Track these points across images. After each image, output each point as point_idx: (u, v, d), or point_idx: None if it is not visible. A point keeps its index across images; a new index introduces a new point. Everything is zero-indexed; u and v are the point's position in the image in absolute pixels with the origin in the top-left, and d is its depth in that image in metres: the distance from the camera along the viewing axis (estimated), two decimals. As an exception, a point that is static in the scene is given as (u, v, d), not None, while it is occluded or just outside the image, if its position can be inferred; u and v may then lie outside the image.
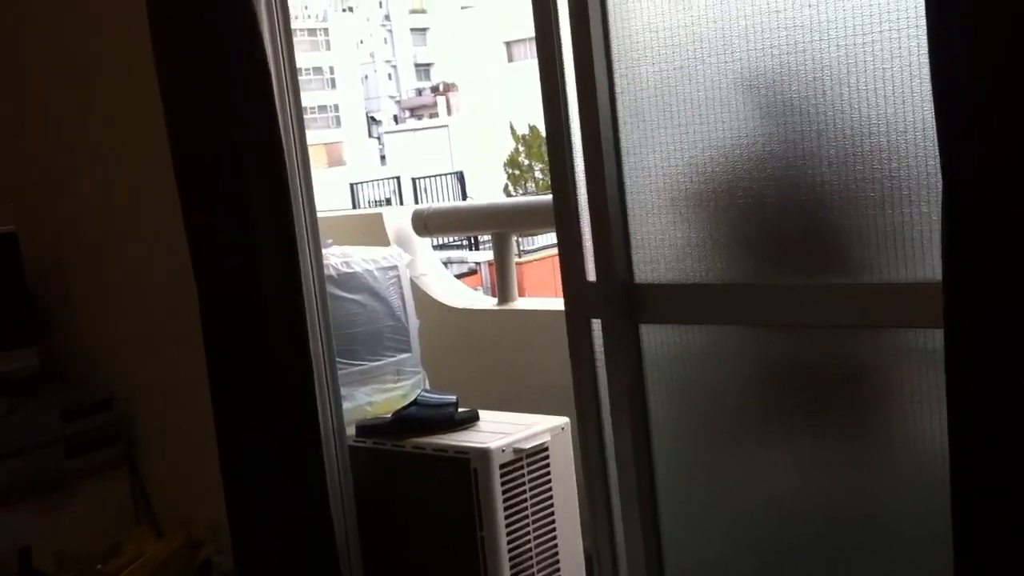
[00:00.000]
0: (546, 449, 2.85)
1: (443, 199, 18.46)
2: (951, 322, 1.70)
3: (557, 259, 2.46)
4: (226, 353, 2.83)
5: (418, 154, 26.44)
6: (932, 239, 1.85)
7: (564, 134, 2.29)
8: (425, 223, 3.92)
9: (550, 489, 2.86)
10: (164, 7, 2.76)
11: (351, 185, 20.66)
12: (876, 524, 2.02)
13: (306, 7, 36.62)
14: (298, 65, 2.86)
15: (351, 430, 3.00)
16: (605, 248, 2.24)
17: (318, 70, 36.28)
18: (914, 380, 1.93)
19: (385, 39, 40.90)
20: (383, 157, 32.27)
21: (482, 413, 2.97)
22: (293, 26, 2.88)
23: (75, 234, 3.57)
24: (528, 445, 2.81)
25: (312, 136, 3.07)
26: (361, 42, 39.59)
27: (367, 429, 3.00)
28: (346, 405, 2.99)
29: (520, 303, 3.76)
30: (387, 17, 41.19)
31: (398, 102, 40.22)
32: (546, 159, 2.51)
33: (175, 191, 2.83)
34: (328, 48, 37.37)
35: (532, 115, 20.98)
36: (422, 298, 3.66)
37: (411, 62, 40.96)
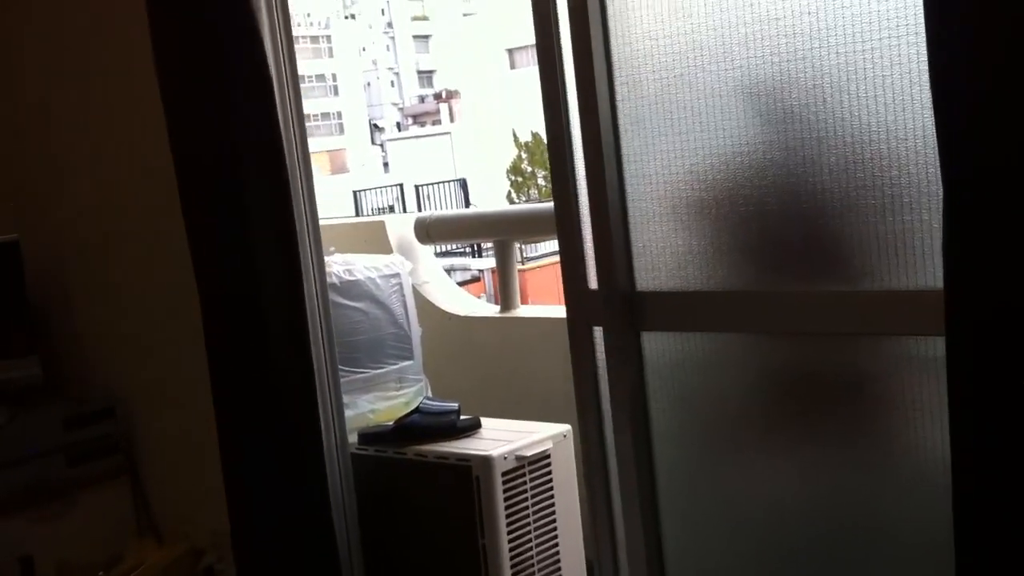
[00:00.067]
0: (548, 457, 2.84)
1: (446, 206, 18.49)
2: (952, 324, 1.69)
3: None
4: (227, 353, 2.84)
5: (421, 161, 26.45)
6: (933, 246, 1.85)
7: (565, 142, 2.29)
8: (427, 231, 3.92)
9: (552, 497, 2.85)
10: (164, 7, 2.76)
11: (354, 192, 20.70)
12: (878, 532, 2.02)
13: (309, 14, 36.68)
14: (301, 72, 2.86)
15: (353, 437, 3.00)
16: (606, 256, 2.24)
17: (321, 77, 36.36)
18: (915, 388, 1.92)
19: (388, 46, 40.97)
20: (386, 164, 32.32)
21: (484, 421, 2.96)
22: (295, 34, 2.89)
23: (75, 234, 3.57)
24: (530, 453, 2.80)
25: (315, 143, 3.09)
26: (364, 49, 39.66)
27: (369, 437, 3.00)
28: (348, 413, 2.98)
29: (522, 311, 3.76)
30: (389, 24, 41.26)
31: (401, 109, 40.28)
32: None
33: (175, 191, 2.83)
34: (331, 55, 37.44)
35: (535, 122, 20.99)
36: (424, 306, 3.66)
37: (414, 69, 41.03)
